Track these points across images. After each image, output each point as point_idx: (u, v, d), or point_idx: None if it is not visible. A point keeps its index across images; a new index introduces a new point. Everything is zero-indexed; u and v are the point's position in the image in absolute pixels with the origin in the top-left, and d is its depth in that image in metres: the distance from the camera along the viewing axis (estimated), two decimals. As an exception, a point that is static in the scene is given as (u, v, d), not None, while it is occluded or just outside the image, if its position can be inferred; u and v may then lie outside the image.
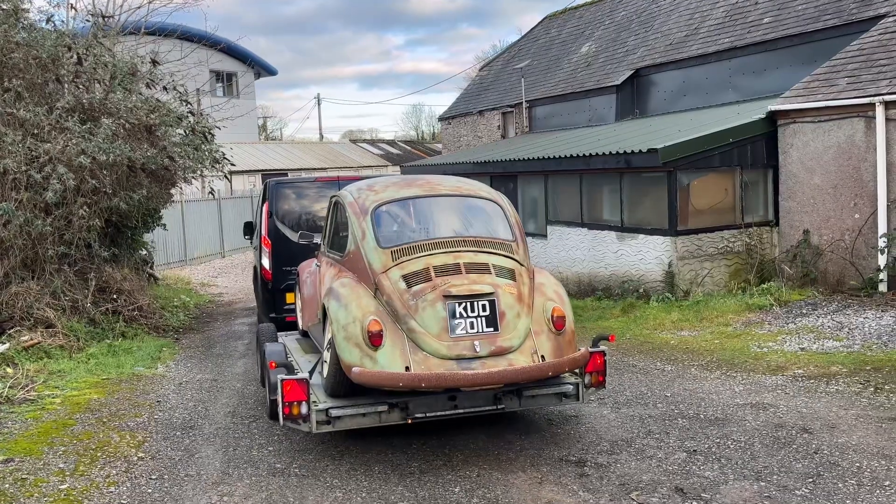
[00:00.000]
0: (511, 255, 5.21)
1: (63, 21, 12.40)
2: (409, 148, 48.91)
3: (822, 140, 10.58)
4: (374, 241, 5.17)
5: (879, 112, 9.67)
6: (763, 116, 11.26)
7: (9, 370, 7.96)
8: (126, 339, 9.86)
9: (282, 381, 4.77)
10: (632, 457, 5.03)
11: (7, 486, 4.71)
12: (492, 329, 4.79)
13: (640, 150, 11.05)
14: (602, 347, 5.40)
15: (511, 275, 5.05)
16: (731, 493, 4.27)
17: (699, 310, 9.57)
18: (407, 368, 4.63)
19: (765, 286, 10.28)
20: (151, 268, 14.63)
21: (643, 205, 11.65)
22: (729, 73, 15.22)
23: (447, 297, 4.78)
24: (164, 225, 14.22)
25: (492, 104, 23.49)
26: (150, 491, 4.73)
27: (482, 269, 5.01)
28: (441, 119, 27.38)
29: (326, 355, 5.22)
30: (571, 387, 5.28)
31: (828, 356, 7.08)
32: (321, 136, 54.74)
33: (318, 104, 59.66)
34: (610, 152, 11.76)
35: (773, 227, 11.45)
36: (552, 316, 4.98)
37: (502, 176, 15.45)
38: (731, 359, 7.31)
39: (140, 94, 11.93)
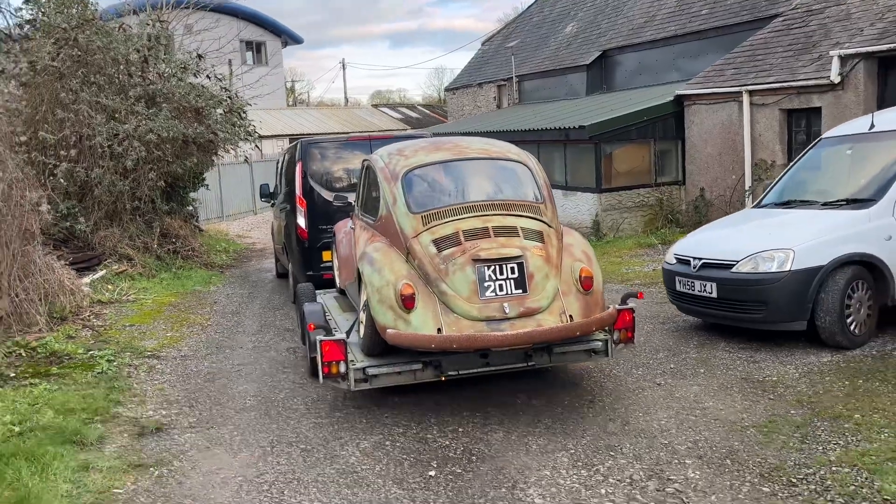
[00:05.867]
0: (539, 216, 5.31)
1: (129, 25, 15.68)
2: (427, 112, 51.19)
3: (712, 118, 13.69)
4: (405, 207, 5.31)
5: (745, 98, 12.77)
6: (671, 99, 14.37)
7: (110, 286, 11.53)
8: (184, 271, 13.34)
9: (320, 342, 5.03)
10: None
11: (136, 335, 8.27)
12: (520, 291, 4.92)
13: (574, 126, 14.28)
14: (631, 304, 5.47)
15: (539, 237, 5.15)
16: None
17: (605, 247, 12.89)
18: (439, 330, 4.79)
19: (662, 231, 13.52)
20: (197, 220, 18.20)
21: (579, 169, 14.89)
22: (673, 56, 18.16)
23: (476, 260, 4.92)
24: (207, 185, 17.69)
25: (489, 78, 26.54)
26: (217, 337, 8.29)
27: (510, 232, 5.12)
28: (447, 90, 30.54)
29: (363, 316, 5.38)
30: (601, 343, 5.39)
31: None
32: (346, 101, 57.56)
33: (343, 69, 62.57)
34: (555, 127, 14.99)
35: (681, 186, 14.64)
36: (580, 276, 5.08)
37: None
38: (603, 275, 10.60)
39: (189, 82, 15.28)
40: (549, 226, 5.32)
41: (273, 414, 5.62)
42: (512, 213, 5.28)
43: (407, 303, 4.87)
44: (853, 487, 3.88)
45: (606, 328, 5.37)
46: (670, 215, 14.28)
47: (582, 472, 4.33)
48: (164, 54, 15.10)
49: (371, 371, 5.12)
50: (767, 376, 5.73)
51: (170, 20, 16.63)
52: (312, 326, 5.36)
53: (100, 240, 13.04)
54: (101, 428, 5.32)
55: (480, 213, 5.22)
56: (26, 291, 8.62)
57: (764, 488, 3.98)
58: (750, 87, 12.66)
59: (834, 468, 4.11)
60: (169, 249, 14.00)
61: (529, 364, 5.28)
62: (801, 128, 12.37)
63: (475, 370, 5.20)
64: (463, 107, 28.33)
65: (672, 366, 6.20)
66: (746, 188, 12.90)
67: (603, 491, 4.08)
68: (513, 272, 4.97)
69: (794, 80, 11.99)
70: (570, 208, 15.03)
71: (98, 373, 6.63)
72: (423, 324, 4.85)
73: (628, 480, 4.18)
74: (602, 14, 22.68)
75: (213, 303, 10.44)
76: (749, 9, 16.11)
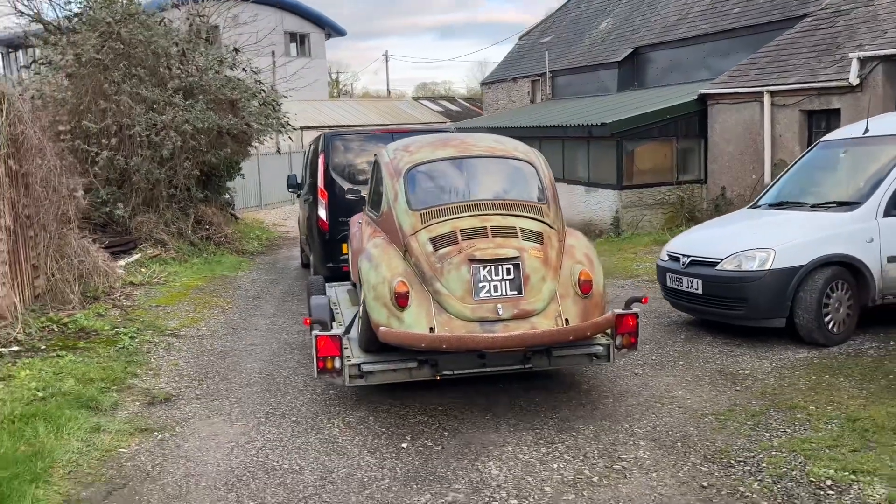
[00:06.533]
0: (540, 217, 5.26)
1: (170, 20, 16.33)
2: (468, 105, 51.21)
3: (735, 118, 13.78)
4: (406, 204, 5.31)
5: (766, 99, 12.85)
6: (695, 98, 14.48)
7: (143, 269, 12.15)
8: (216, 256, 13.92)
9: (316, 336, 5.01)
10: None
11: (160, 315, 8.82)
12: (515, 292, 4.88)
13: (596, 124, 14.49)
14: (634, 309, 5.32)
15: (538, 238, 5.11)
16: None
17: (622, 244, 13.11)
18: (431, 329, 4.78)
19: (681, 229, 13.63)
20: (233, 209, 18.85)
21: (601, 166, 15.09)
22: (704, 55, 18.17)
23: (472, 260, 4.89)
24: (243, 175, 18.30)
25: (524, 73, 26.73)
26: (235, 318, 8.80)
27: (509, 232, 5.08)
28: (482, 84, 30.82)
29: (361, 311, 5.39)
30: (602, 348, 5.32)
31: (673, 270, 10.56)
32: (388, 92, 58.18)
33: (387, 61, 63.23)
34: (579, 124, 15.21)
35: (703, 185, 14.75)
36: (579, 279, 5.01)
37: (511, 139, 18.97)
38: (611, 270, 10.82)
39: (226, 75, 15.85)
40: (551, 227, 5.26)
41: (273, 389, 6.07)
42: (512, 213, 5.24)
43: (400, 301, 4.86)
44: (785, 470, 4.16)
45: (608, 333, 5.30)
46: (690, 213, 14.42)
47: (542, 448, 4.67)
48: (204, 48, 15.67)
49: (366, 368, 5.13)
50: (741, 369, 5.99)
51: (210, 14, 17.20)
52: (308, 321, 5.30)
53: (137, 225, 13.67)
54: (115, 396, 5.83)
55: (480, 213, 5.19)
56: (62, 272, 9.23)
57: (703, 468, 4.28)
58: (771, 88, 12.74)
59: (773, 453, 4.39)
60: (202, 236, 14.59)
61: (527, 367, 5.25)
62: (822, 129, 12.38)
63: (472, 370, 5.18)
64: (498, 101, 28.59)
65: (654, 358, 6.48)
66: (765, 188, 12.97)
67: (555, 465, 4.42)
68: (508, 273, 4.92)
69: (814, 82, 12.05)
70: (592, 204, 15.26)
71: (120, 348, 7.18)
72: (415, 322, 4.84)
73: (582, 457, 4.52)
74: (637, 11, 22.71)
75: (238, 287, 10.97)
76: (780, 8, 16.08)
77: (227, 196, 18.23)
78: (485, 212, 5.21)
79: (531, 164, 5.70)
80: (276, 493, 4.23)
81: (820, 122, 12.40)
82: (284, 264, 13.88)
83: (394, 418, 5.31)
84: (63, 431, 4.96)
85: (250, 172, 22.97)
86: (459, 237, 5.05)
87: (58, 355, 6.79)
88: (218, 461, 4.67)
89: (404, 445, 4.82)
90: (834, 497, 3.84)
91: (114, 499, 4.21)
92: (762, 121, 13.07)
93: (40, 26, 14.99)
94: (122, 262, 11.98)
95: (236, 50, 16.44)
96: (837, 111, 11.79)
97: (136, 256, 12.76)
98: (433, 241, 5.07)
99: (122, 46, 13.80)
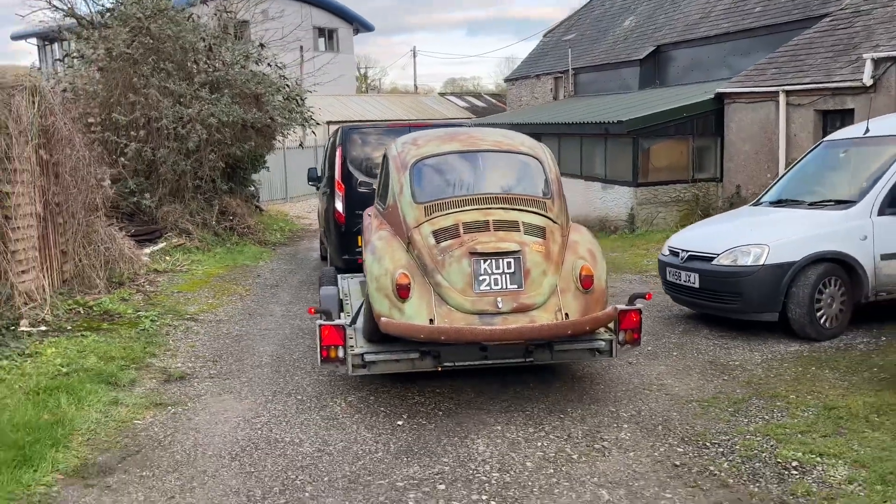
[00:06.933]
0: (543, 212, 5.30)
1: (198, 15, 16.75)
2: (494, 101, 51.13)
3: (751, 117, 13.86)
4: (410, 196, 5.38)
5: (782, 98, 12.93)
6: (712, 97, 14.58)
7: (167, 257, 12.57)
8: (238, 246, 14.32)
9: (319, 326, 5.12)
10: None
11: (181, 300, 9.20)
12: (516, 286, 4.94)
13: (612, 121, 14.65)
14: (638, 305, 5.39)
15: (541, 232, 5.16)
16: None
17: (635, 240, 13.29)
18: (431, 321, 4.86)
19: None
20: (257, 201, 19.27)
21: (618, 163, 15.25)
22: (724, 53, 18.21)
23: (473, 253, 4.96)
24: (268, 168, 18.71)
25: (547, 70, 26.88)
26: (252, 305, 9.15)
27: (511, 226, 5.14)
28: (506, 80, 31.02)
29: (366, 302, 5.50)
30: (604, 343, 5.37)
31: (682, 266, 10.71)
32: (415, 88, 58.44)
33: (414, 56, 63.54)
34: (596, 121, 15.38)
35: (719, 183, 14.85)
36: (580, 274, 5.06)
37: (531, 136, 19.14)
38: (621, 265, 11.04)
39: (251, 70, 16.24)
40: (554, 221, 5.29)
41: (282, 370, 6.39)
42: (515, 207, 5.28)
43: (402, 292, 4.93)
44: (755, 452, 4.38)
45: (611, 328, 5.39)
46: (705, 211, 14.52)
47: (529, 428, 4.93)
48: (230, 43, 16.07)
49: (369, 357, 5.23)
50: (732, 360, 6.19)
51: (239, 9, 17.59)
52: (312, 310, 5.40)
53: (163, 215, 14.10)
54: (134, 373, 6.19)
55: (483, 207, 5.24)
56: (89, 257, 9.65)
57: (678, 449, 4.51)
58: (787, 88, 12.82)
59: (748, 436, 4.61)
60: (226, 226, 14.99)
61: (528, 360, 5.31)
62: (836, 129, 12.40)
63: (473, 363, 5.26)
64: (521, 97, 28.76)
65: (650, 348, 6.70)
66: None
67: (540, 443, 4.68)
68: (509, 267, 4.97)
69: (829, 82, 12.11)
70: (609, 201, 15.43)
71: (141, 330, 7.55)
72: (416, 314, 4.92)
73: (566, 437, 4.77)
74: (660, 9, 22.75)
75: (257, 276, 11.34)
76: (801, 8, 16.09)
77: (252, 188, 18.65)
78: (488, 206, 5.27)
79: (537, 159, 5.74)
80: (276, 462, 4.55)
81: (835, 121, 12.45)
82: (305, 255, 14.24)
83: (393, 398, 5.60)
84: (83, 403, 5.32)
85: (276, 166, 23.40)
86: (461, 230, 5.11)
87: (82, 335, 7.17)
88: (225, 433, 5.00)
89: (400, 423, 5.11)
90: (797, 476, 4.06)
91: (127, 463, 4.55)
92: (777, 120, 13.15)
93: (74, 20, 15.47)
94: (147, 250, 12.40)
95: (262, 45, 16.82)
96: (851, 111, 11.85)
97: (161, 245, 13.18)
98: (435, 233, 5.15)
99: (151, 41, 14.21)
